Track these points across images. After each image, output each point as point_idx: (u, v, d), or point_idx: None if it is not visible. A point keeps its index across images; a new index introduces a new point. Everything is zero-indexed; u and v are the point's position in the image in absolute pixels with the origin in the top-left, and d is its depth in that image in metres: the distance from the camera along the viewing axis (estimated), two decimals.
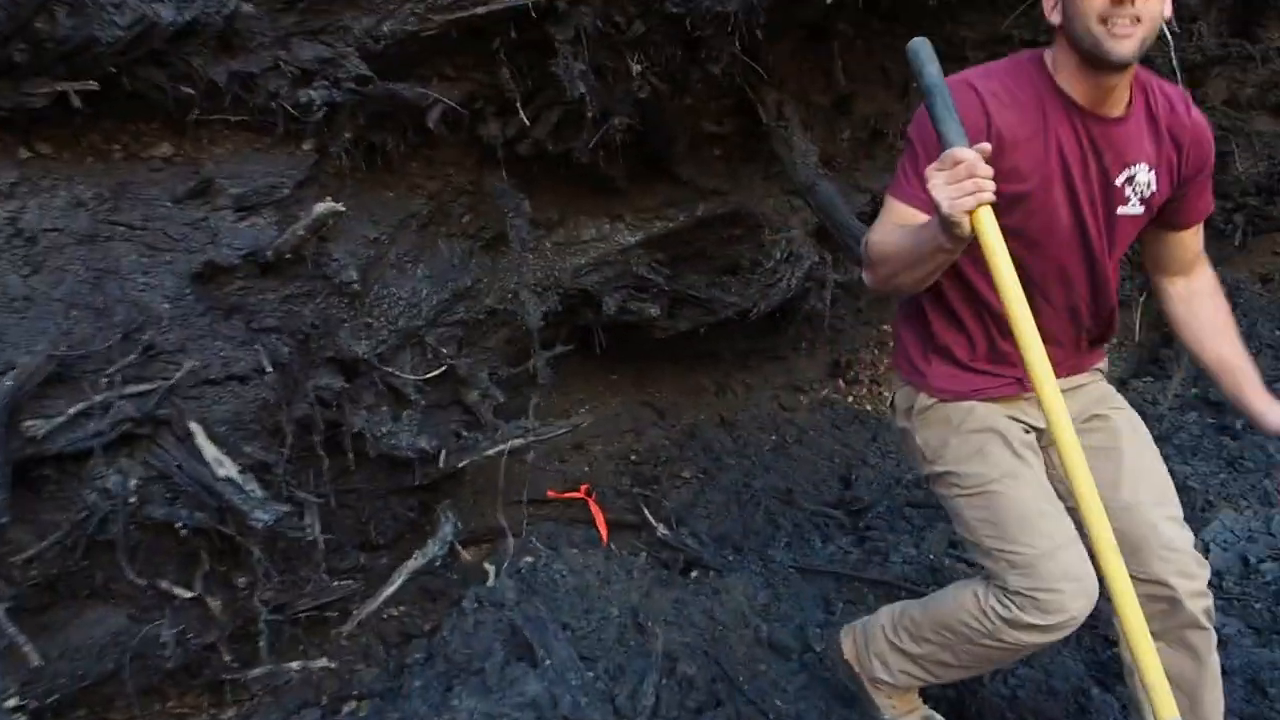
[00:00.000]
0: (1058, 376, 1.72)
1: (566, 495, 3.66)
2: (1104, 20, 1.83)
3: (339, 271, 2.75)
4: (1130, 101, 2.00)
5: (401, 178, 2.99)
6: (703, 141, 3.45)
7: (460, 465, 2.93)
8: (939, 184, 1.66)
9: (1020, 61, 2.05)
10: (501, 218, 3.18)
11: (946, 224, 1.68)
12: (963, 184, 1.64)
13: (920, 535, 3.59)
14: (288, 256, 2.62)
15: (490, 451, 2.97)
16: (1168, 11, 1.91)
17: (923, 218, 1.87)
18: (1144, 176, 2.03)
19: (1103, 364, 2.33)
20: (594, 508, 3.62)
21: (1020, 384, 2.12)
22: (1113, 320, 2.23)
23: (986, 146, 1.68)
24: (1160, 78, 2.11)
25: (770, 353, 4.63)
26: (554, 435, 3.25)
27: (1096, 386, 2.27)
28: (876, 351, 5.08)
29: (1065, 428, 1.66)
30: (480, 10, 2.72)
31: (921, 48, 1.78)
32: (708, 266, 3.90)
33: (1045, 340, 1.70)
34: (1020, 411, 2.17)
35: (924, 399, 2.19)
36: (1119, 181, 2.02)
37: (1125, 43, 1.83)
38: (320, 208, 2.61)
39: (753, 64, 3.17)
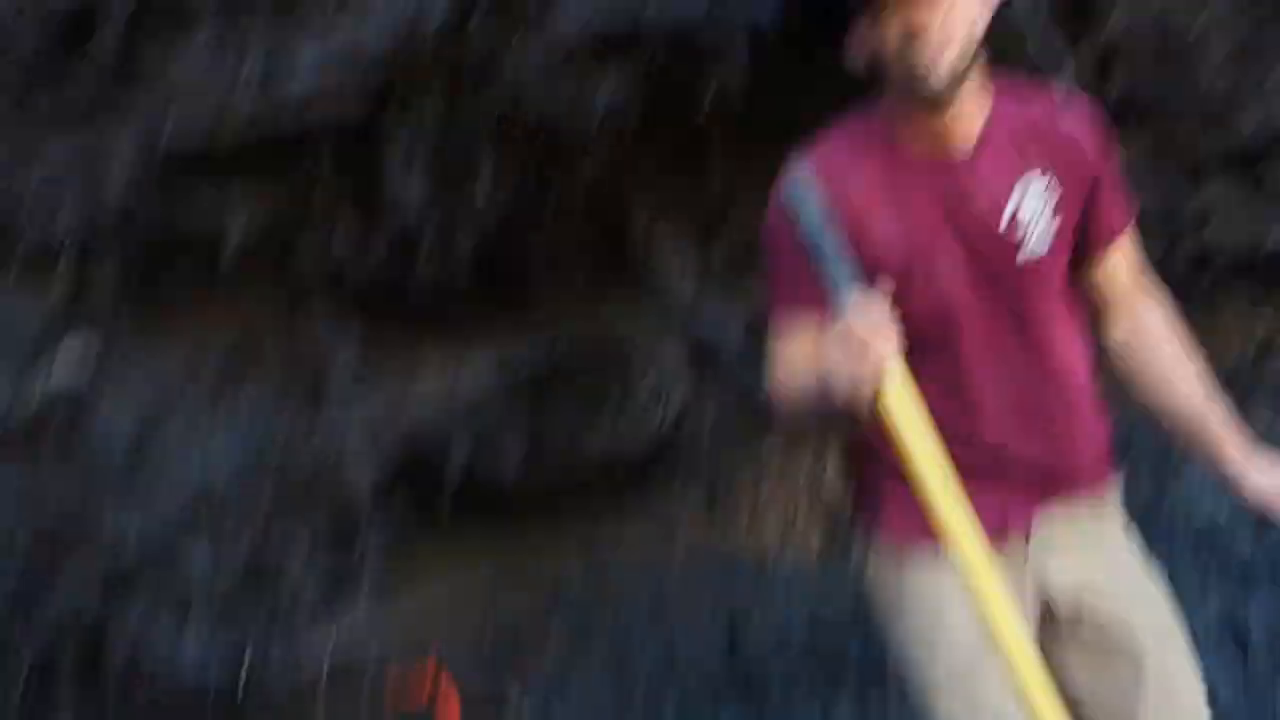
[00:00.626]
0: (1027, 516, 1.58)
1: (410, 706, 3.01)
2: (904, 57, 1.52)
3: (104, 439, 2.13)
4: (988, 125, 1.65)
5: (191, 318, 2.40)
6: (565, 262, 2.99)
7: (268, 688, 2.29)
8: (833, 353, 1.40)
9: (852, 121, 1.72)
10: (321, 360, 2.62)
11: (851, 407, 1.41)
12: (860, 354, 1.36)
13: (829, 703, 3.12)
14: (31, 424, 2.00)
15: (309, 666, 2.35)
16: (982, 22, 1.57)
17: (808, 315, 1.58)
18: (1033, 204, 1.67)
19: (1110, 494, 1.80)
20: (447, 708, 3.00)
21: (1008, 518, 1.65)
22: (1094, 415, 1.77)
23: (884, 296, 1.40)
24: (1024, 77, 1.77)
25: (642, 491, 4.13)
26: (393, 629, 2.64)
27: (1102, 531, 1.77)
28: (758, 478, 4.65)
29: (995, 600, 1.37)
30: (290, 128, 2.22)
31: (799, 187, 1.47)
32: (572, 402, 3.39)
33: (998, 473, 1.58)
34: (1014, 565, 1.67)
35: (876, 542, 1.76)
36: (1003, 225, 1.65)
37: (933, 78, 1.51)
38: (74, 358, 2.00)
39: (619, 180, 2.74)
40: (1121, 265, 1.79)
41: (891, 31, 1.53)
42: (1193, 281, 5.04)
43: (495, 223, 2.55)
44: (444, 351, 3.01)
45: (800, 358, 1.60)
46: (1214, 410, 1.70)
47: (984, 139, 1.65)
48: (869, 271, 1.51)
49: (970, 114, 1.63)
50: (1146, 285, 1.82)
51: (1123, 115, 4.48)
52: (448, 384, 3.00)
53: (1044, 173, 1.69)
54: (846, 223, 1.57)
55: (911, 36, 1.51)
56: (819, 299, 1.50)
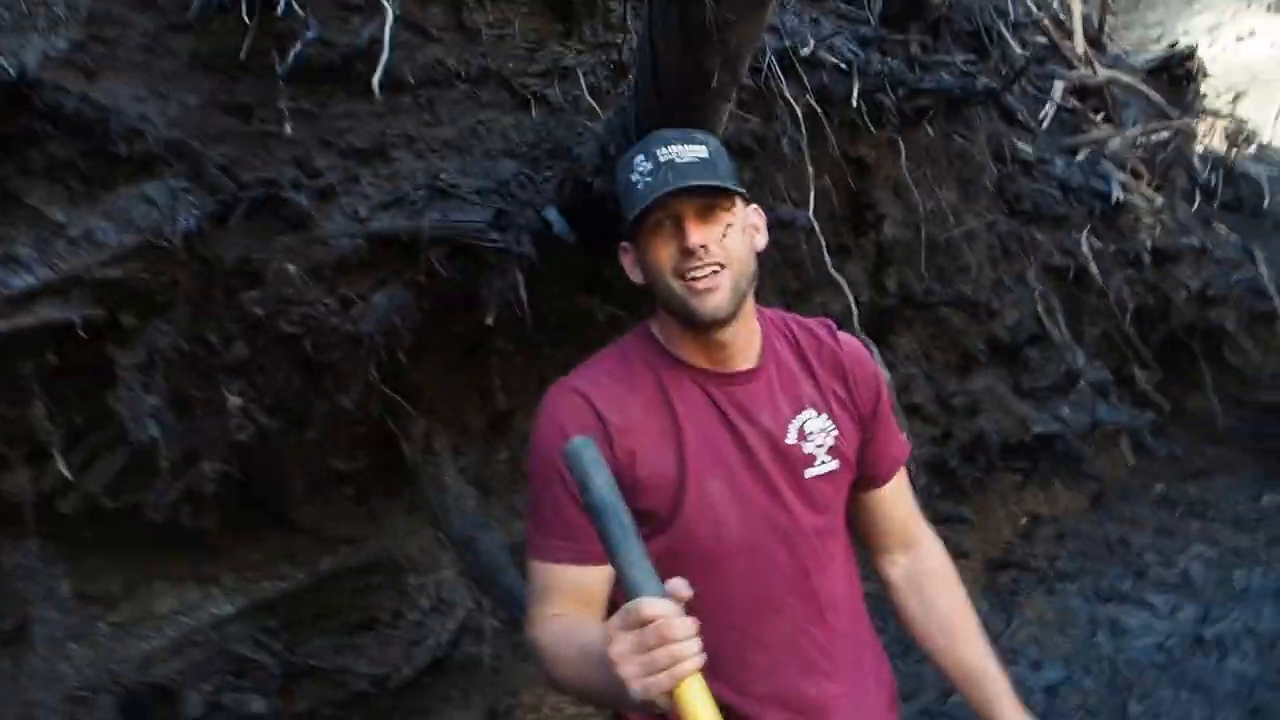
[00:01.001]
0: None
1: None
2: (680, 275, 1.45)
3: None
4: (763, 347, 1.59)
5: None
6: (330, 481, 2.67)
7: None
8: (624, 653, 1.17)
9: (627, 339, 1.62)
10: (25, 603, 2.18)
11: (640, 703, 1.18)
12: (654, 655, 1.14)
13: None
14: None
15: None
16: (760, 242, 1.56)
17: (572, 574, 1.46)
18: (817, 423, 1.60)
19: None
20: None
21: None
22: (875, 655, 1.70)
23: (682, 591, 1.17)
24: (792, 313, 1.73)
25: (420, 713, 3.71)
26: None
27: None
28: (540, 692, 4.29)
29: None
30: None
31: (583, 451, 1.24)
32: (337, 626, 3.01)
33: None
34: None
35: None
36: (791, 439, 1.57)
37: (711, 297, 1.45)
38: None
39: (394, 391, 2.49)
40: (900, 500, 1.75)
41: (667, 249, 1.45)
42: (967, 466, 5.19)
43: (250, 438, 2.23)
44: (185, 579, 2.60)
45: (579, 651, 1.37)
46: (990, 667, 1.66)
47: (765, 356, 1.58)
48: (644, 500, 1.41)
49: (750, 332, 1.56)
50: (923, 523, 1.78)
51: (899, 311, 4.66)
52: (187, 616, 2.58)
53: (825, 393, 1.63)
54: (619, 449, 1.45)
55: (689, 254, 1.43)
56: (586, 542, 1.35)
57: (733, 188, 1.47)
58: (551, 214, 2.37)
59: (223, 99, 2.08)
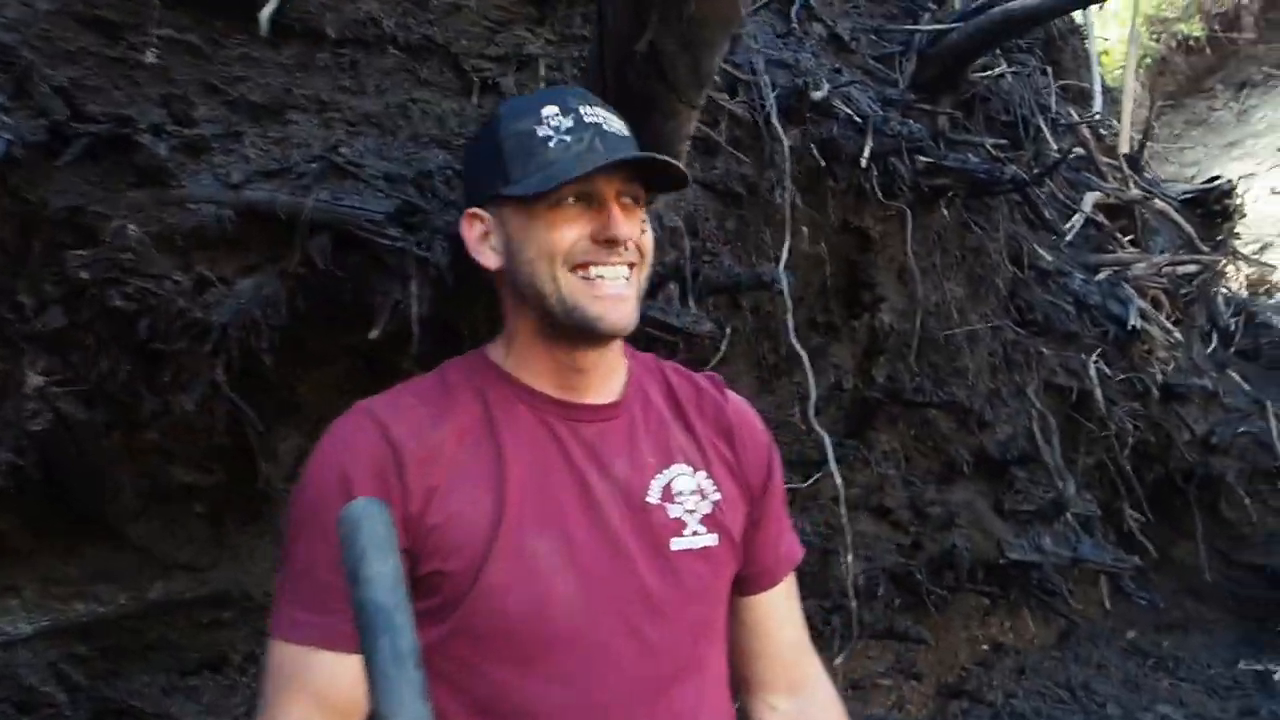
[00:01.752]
0: None
1: None
2: (581, 268, 1.15)
3: None
4: (628, 382, 1.23)
5: None
6: (175, 495, 2.19)
7: None
8: None
9: (453, 361, 1.26)
10: None
11: None
12: None
13: None
14: None
15: None
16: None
17: (321, 662, 1.05)
18: (690, 482, 1.20)
19: None
20: None
21: None
22: None
23: None
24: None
25: None
26: None
27: None
28: None
29: None
30: None
31: (363, 523, 0.82)
32: (169, 664, 2.51)
33: None
34: None
35: None
36: (653, 496, 1.17)
37: (619, 307, 1.16)
38: None
39: (263, 398, 2.03)
40: (789, 618, 1.34)
41: (571, 233, 1.13)
42: (933, 581, 4.73)
43: (48, 427, 1.77)
44: None
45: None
46: None
47: (629, 392, 1.24)
48: (436, 560, 1.07)
49: (616, 359, 1.24)
50: (815, 657, 1.36)
51: (883, 406, 4.21)
52: None
53: (704, 448, 1.25)
54: (413, 486, 1.09)
55: (609, 245, 1.13)
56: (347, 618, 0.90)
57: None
58: None
59: (82, 9, 1.65)
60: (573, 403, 1.19)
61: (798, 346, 2.45)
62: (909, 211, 2.87)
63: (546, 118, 1.15)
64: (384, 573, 0.79)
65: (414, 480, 1.08)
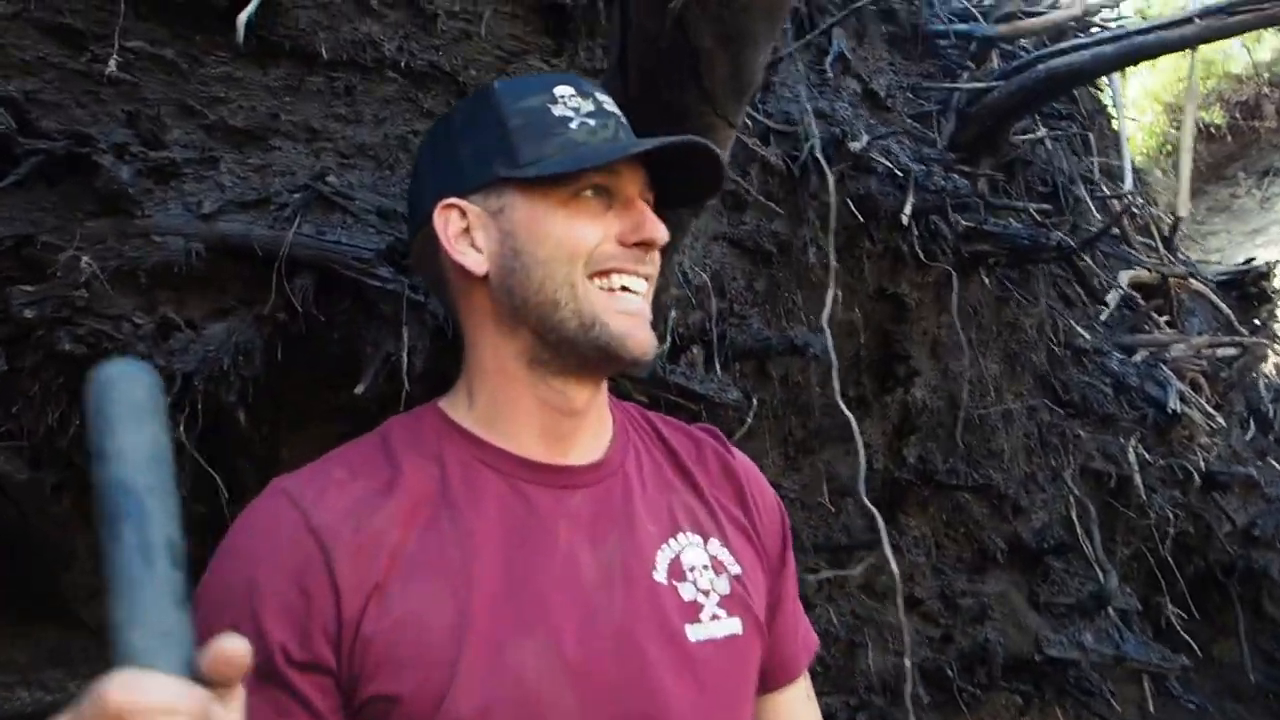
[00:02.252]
0: None
1: None
2: (603, 274, 0.94)
3: None
4: (615, 435, 1.01)
5: None
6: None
7: None
8: None
9: (397, 418, 1.03)
10: None
11: None
12: None
13: None
14: None
15: None
16: None
17: None
18: (703, 554, 0.96)
19: None
20: None
21: None
22: None
23: (232, 657, 0.61)
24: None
25: None
26: None
27: None
28: None
29: None
30: None
31: (119, 383, 0.65)
32: None
33: None
34: None
35: None
36: (660, 574, 0.93)
37: (642, 329, 0.95)
38: None
39: (239, 458, 1.79)
40: (808, 715, 1.07)
41: (594, 230, 0.93)
42: (963, 677, 4.40)
43: None
44: None
45: None
46: None
47: (616, 447, 1.00)
48: (387, 680, 0.82)
49: (602, 409, 1.00)
50: None
51: (914, 489, 3.93)
52: None
53: (715, 512, 1.01)
54: (347, 590, 0.85)
55: (643, 248, 0.93)
56: None
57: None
58: None
59: (44, 14, 1.45)
60: (554, 465, 0.95)
61: (844, 408, 2.19)
62: (953, 275, 2.63)
63: (562, 97, 0.94)
64: (137, 444, 0.62)
65: (347, 577, 0.84)
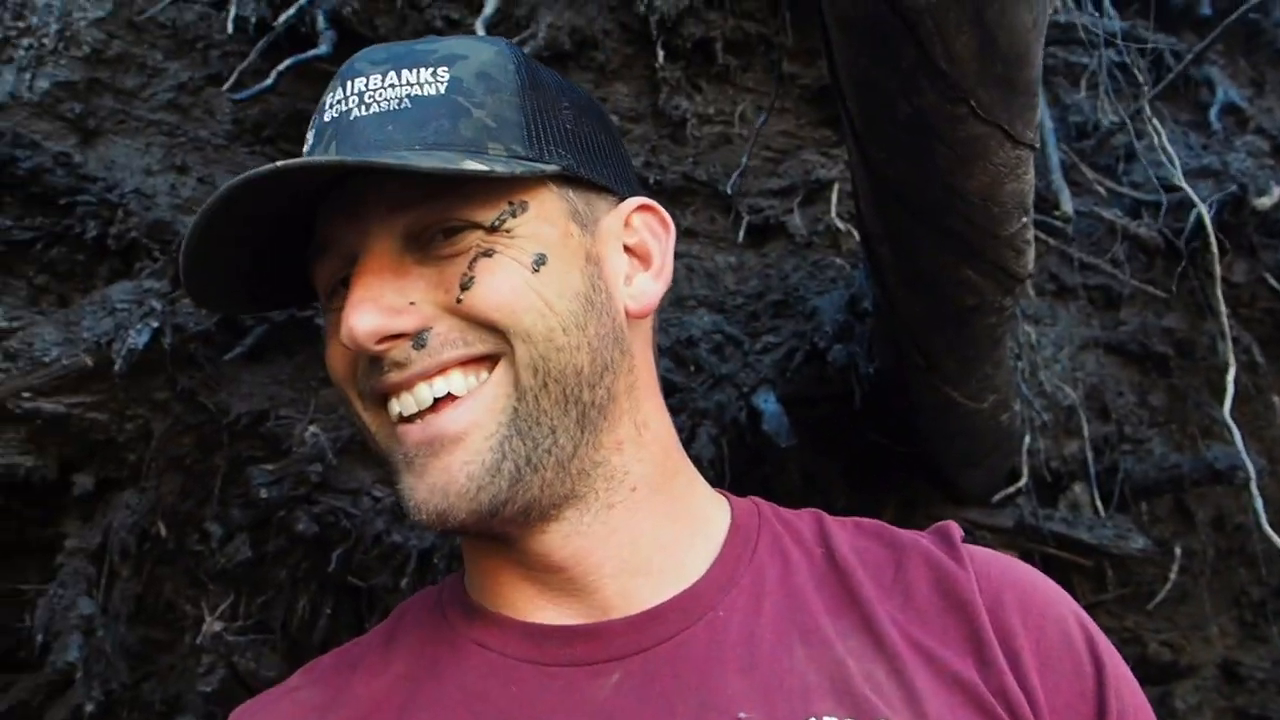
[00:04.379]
0: None
1: None
2: (375, 397, 0.61)
3: None
4: (724, 557, 0.61)
5: None
6: None
7: None
8: None
9: (418, 596, 0.71)
10: None
11: None
12: None
13: None
14: None
15: None
16: (649, 290, 0.67)
17: None
18: None
19: None
20: None
21: None
22: None
23: None
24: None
25: None
26: None
27: None
28: None
29: None
30: None
31: None
32: None
33: None
34: None
35: None
36: None
37: (434, 465, 0.58)
38: None
39: None
40: None
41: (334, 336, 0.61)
42: None
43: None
44: None
45: None
46: None
47: (720, 572, 0.61)
48: None
49: (651, 531, 0.62)
50: None
51: None
52: None
53: (908, 687, 0.53)
54: None
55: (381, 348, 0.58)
56: None
57: (470, 170, 0.56)
58: (767, 401, 1.35)
59: None
60: (567, 628, 0.59)
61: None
62: None
63: (322, 105, 0.65)
64: None
65: None
